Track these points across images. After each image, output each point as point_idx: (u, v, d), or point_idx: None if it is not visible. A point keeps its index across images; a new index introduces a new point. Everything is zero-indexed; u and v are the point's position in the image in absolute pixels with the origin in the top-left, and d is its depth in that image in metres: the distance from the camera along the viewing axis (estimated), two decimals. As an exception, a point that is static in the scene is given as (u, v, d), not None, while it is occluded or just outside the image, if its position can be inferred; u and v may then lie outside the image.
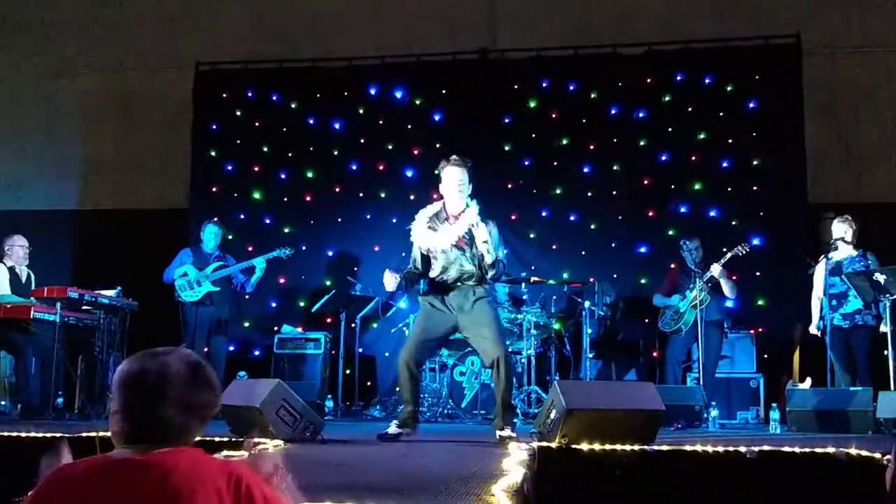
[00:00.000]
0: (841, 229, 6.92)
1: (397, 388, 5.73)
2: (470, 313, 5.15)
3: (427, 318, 5.27)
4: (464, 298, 5.17)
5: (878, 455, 3.77)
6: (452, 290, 5.19)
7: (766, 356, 7.82)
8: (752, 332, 7.94)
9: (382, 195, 8.92)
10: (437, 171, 5.33)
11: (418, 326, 5.31)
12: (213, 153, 9.26)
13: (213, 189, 9.19)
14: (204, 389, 1.84)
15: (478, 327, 5.15)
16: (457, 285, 5.18)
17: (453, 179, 5.16)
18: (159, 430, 1.79)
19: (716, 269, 7.01)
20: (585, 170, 8.71)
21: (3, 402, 7.55)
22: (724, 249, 7.10)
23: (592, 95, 8.76)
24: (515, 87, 8.89)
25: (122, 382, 1.81)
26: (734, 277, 7.33)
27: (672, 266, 7.67)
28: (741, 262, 7.24)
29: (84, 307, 7.12)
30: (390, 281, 5.20)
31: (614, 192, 8.62)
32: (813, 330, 7.00)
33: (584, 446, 4.07)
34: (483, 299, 5.16)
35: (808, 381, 6.93)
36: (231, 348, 8.27)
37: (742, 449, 3.98)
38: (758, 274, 8.11)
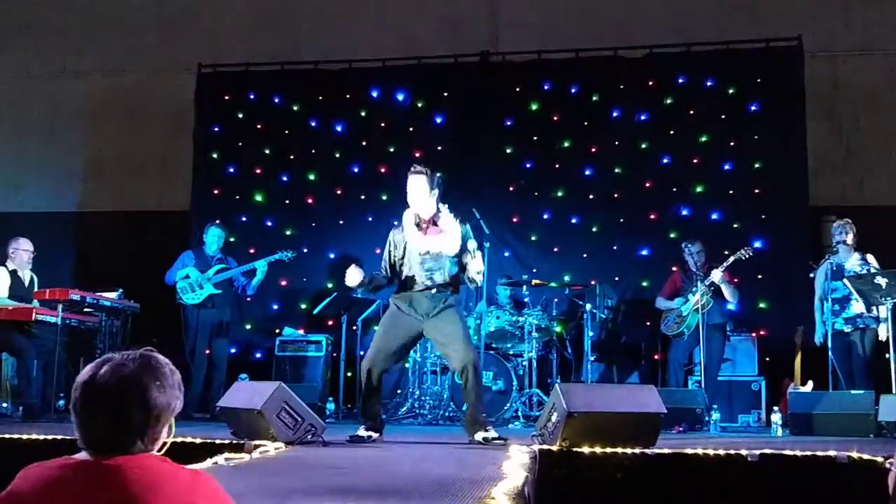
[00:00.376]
0: (841, 232, 6.91)
1: (370, 393, 5.46)
2: (437, 319, 5.19)
3: (392, 325, 5.28)
4: (432, 305, 5.20)
5: (879, 458, 3.77)
6: (422, 297, 5.23)
7: (767, 359, 7.80)
8: (753, 335, 7.93)
9: (384, 197, 8.92)
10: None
11: (384, 333, 5.28)
12: (214, 155, 9.27)
13: (215, 191, 9.19)
14: (154, 397, 1.79)
15: (445, 334, 5.21)
16: (428, 292, 5.23)
17: (411, 189, 5.33)
18: (111, 437, 1.77)
19: (716, 276, 7.01)
20: (587, 172, 8.71)
21: (4, 404, 7.57)
22: (727, 252, 7.10)
23: (594, 98, 8.76)
24: (517, 89, 8.89)
25: (75, 388, 1.81)
26: (735, 281, 7.32)
27: (674, 269, 7.66)
28: (743, 264, 7.23)
29: (86, 309, 7.12)
30: (354, 276, 5.26)
31: (616, 195, 8.62)
32: (818, 339, 6.98)
33: (586, 449, 4.07)
34: (451, 308, 5.22)
35: (810, 384, 6.92)
36: (232, 350, 8.26)
37: (743, 452, 3.98)
38: (759, 277, 8.11)
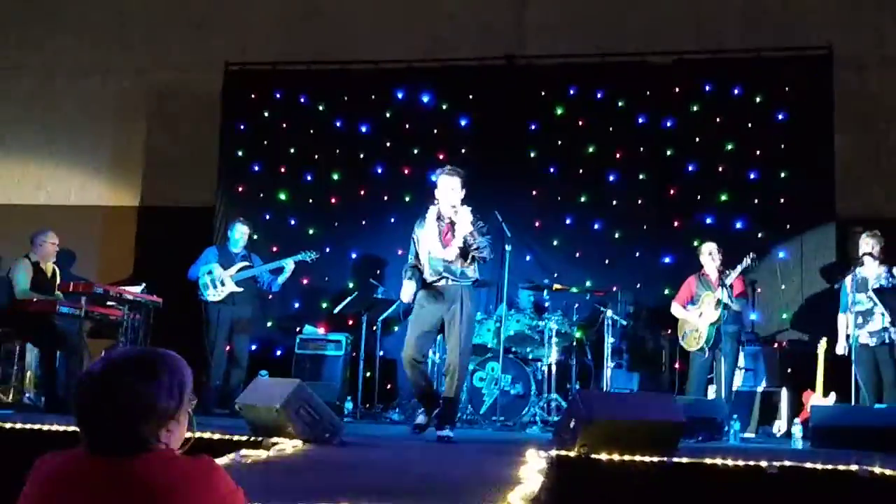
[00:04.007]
0: (869, 244, 6.83)
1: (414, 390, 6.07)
2: (453, 315, 5.64)
3: (420, 312, 5.78)
4: (452, 297, 5.67)
5: (902, 474, 3.72)
6: (443, 287, 5.71)
7: (789, 370, 7.72)
8: (776, 345, 7.87)
9: (407, 199, 8.93)
10: (434, 178, 5.93)
11: (413, 321, 5.83)
12: (240, 153, 9.31)
13: (240, 189, 9.24)
14: (133, 397, 1.70)
15: (449, 332, 5.69)
16: (444, 284, 5.71)
17: (446, 186, 5.75)
18: (102, 436, 1.70)
19: (723, 295, 6.96)
20: (611, 178, 8.67)
21: (28, 395, 7.65)
22: (728, 271, 7.05)
23: (620, 104, 8.71)
24: (542, 93, 8.87)
25: (75, 389, 1.75)
26: (742, 292, 7.20)
27: (692, 276, 7.60)
28: (766, 275, 7.18)
29: (109, 303, 7.18)
30: (409, 291, 5.81)
31: (640, 201, 8.57)
32: (840, 350, 6.90)
33: (603, 456, 4.05)
34: (463, 308, 5.63)
35: (833, 396, 6.85)
36: (253, 347, 8.28)
37: (763, 464, 3.94)
38: (783, 287, 8.04)
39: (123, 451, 1.68)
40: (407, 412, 7.79)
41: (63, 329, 6.89)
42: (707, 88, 8.55)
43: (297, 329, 8.44)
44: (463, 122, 9.00)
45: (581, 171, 8.72)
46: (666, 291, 8.25)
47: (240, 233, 7.79)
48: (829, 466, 3.92)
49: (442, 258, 5.69)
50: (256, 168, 9.30)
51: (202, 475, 1.71)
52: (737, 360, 7.27)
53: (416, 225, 5.92)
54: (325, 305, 8.85)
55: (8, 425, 4.72)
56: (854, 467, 3.87)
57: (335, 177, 9.16)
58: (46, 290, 7.16)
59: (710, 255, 7.28)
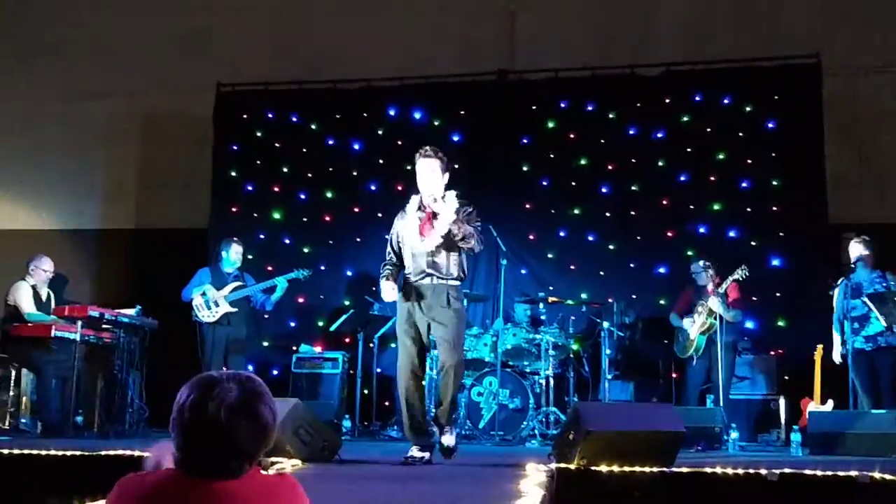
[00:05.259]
0: (858, 250, 6.87)
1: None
2: (440, 317, 5.05)
3: (406, 319, 5.15)
4: (436, 299, 5.07)
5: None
6: (425, 288, 5.10)
7: (786, 378, 7.74)
8: (772, 353, 7.88)
9: (401, 215, 8.94)
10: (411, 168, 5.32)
11: (402, 330, 5.18)
12: (233, 173, 9.33)
13: (234, 209, 9.25)
14: (266, 420, 1.80)
15: (438, 333, 5.08)
16: (428, 282, 5.10)
17: (424, 170, 5.14)
18: (222, 464, 1.76)
19: (714, 304, 6.97)
20: (604, 190, 8.70)
21: (24, 420, 7.60)
22: (718, 285, 7.06)
23: (611, 116, 8.76)
24: (534, 107, 8.92)
25: (180, 412, 1.77)
26: (736, 300, 7.22)
27: (687, 287, 7.63)
28: (761, 283, 7.19)
29: (104, 326, 7.16)
30: (389, 288, 5.17)
31: (633, 213, 8.60)
32: (836, 358, 6.91)
33: (603, 468, 4.04)
34: (450, 307, 5.06)
35: (830, 403, 6.86)
36: (249, 367, 8.25)
37: (762, 471, 3.94)
38: (778, 295, 8.05)
39: (230, 476, 1.76)
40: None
41: (58, 353, 6.88)
42: (697, 99, 8.60)
43: (294, 348, 8.44)
44: (455, 138, 9.02)
45: (574, 183, 8.75)
46: (661, 301, 8.29)
47: (235, 253, 7.78)
48: (829, 473, 3.92)
49: (423, 251, 5.08)
50: (250, 188, 9.32)
51: (289, 492, 1.86)
52: (733, 369, 7.32)
53: (398, 217, 5.32)
54: (321, 324, 8.84)
55: (5, 451, 4.69)
56: (854, 473, 3.87)
57: (329, 195, 9.18)
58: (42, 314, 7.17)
59: (696, 274, 7.40)
